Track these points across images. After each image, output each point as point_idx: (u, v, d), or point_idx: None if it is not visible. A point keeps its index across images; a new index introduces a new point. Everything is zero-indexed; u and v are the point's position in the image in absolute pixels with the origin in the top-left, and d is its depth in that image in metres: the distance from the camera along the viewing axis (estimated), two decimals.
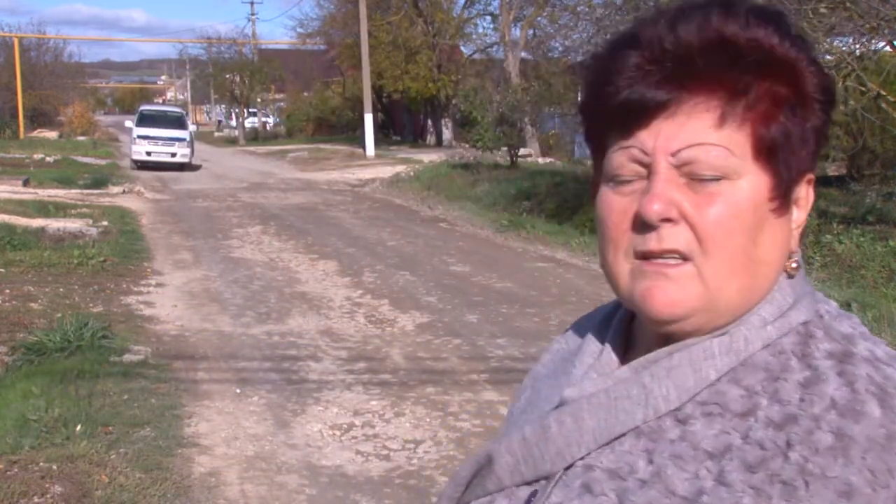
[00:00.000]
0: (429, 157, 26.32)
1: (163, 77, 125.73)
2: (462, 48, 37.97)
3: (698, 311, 0.78)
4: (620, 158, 0.80)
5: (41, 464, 4.42)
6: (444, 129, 36.57)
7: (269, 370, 6.43)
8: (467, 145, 21.08)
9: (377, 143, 32.38)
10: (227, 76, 50.64)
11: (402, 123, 42.86)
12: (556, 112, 22.34)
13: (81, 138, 43.10)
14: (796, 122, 0.78)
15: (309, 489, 4.41)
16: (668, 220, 0.77)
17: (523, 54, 28.58)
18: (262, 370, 6.43)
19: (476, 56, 37.53)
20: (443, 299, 8.81)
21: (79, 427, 4.89)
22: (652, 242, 0.78)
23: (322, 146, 36.97)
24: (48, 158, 28.23)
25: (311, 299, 8.79)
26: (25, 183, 19.32)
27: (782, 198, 0.78)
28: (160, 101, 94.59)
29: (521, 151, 21.19)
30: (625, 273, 0.80)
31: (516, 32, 29.15)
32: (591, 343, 0.89)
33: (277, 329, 7.58)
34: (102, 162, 28.84)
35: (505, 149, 20.17)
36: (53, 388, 5.49)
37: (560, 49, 20.32)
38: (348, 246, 12.28)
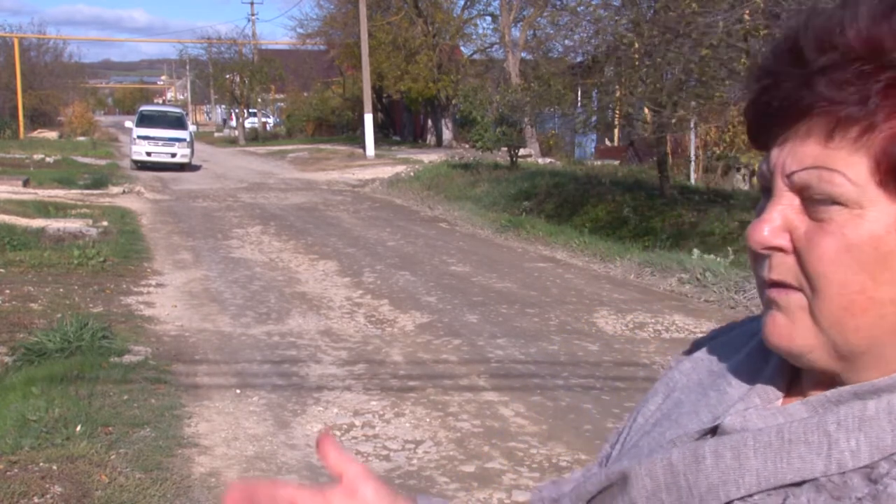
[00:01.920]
0: (429, 157, 26.33)
1: (163, 77, 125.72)
2: (462, 48, 37.99)
3: (816, 350, 0.70)
4: (759, 172, 0.73)
5: (41, 464, 4.42)
6: (444, 129, 36.58)
7: (268, 370, 6.43)
8: (467, 145, 21.12)
9: (377, 143, 32.41)
10: (227, 76, 50.66)
11: (402, 123, 42.89)
12: (556, 112, 22.33)
13: (81, 138, 43.13)
14: None
15: None
16: (776, 248, 0.70)
17: (523, 54, 28.58)
18: (261, 370, 6.43)
19: (476, 56, 37.55)
20: (443, 299, 8.81)
21: (79, 427, 4.89)
22: (765, 270, 0.71)
23: (322, 146, 36.98)
24: (48, 159, 28.25)
25: (310, 299, 8.79)
26: (25, 183, 19.32)
27: None
28: (160, 101, 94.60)
29: (521, 151, 21.21)
30: (763, 297, 0.74)
31: (516, 33, 29.16)
32: (751, 360, 0.79)
33: (277, 329, 7.58)
34: (102, 162, 28.85)
35: (505, 149, 20.19)
36: (53, 389, 5.49)
37: (560, 49, 20.32)
38: (348, 246, 12.28)
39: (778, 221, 0.69)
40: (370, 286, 9.47)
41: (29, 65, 51.44)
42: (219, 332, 7.45)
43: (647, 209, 13.69)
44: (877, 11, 0.65)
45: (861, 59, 0.65)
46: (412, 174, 21.73)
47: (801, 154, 0.68)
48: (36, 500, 4.08)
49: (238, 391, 5.90)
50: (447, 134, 36.21)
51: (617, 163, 21.92)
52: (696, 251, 10.35)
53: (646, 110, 14.64)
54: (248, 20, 53.81)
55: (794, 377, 0.76)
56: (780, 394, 0.75)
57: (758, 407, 0.74)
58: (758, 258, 0.72)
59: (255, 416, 5.43)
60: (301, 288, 9.40)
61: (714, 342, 0.87)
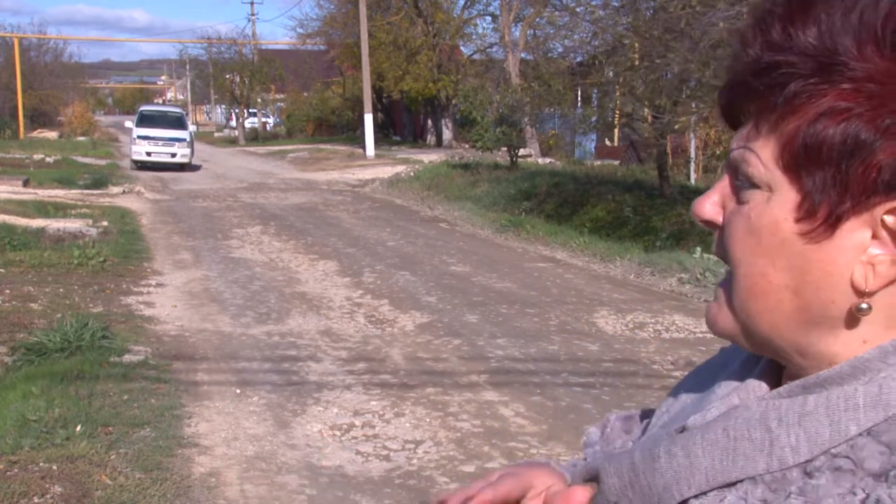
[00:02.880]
0: (429, 157, 26.33)
1: (163, 77, 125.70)
2: (462, 48, 37.98)
3: (736, 335, 0.72)
4: None
5: (41, 464, 4.42)
6: (444, 129, 36.58)
7: (268, 370, 6.43)
8: (467, 145, 21.11)
9: (377, 143, 32.41)
10: (227, 76, 50.66)
11: (402, 123, 42.89)
12: (556, 112, 22.34)
13: (81, 138, 43.13)
14: (842, 124, 0.64)
15: (309, 489, 4.41)
16: (711, 223, 0.73)
17: (523, 54, 28.57)
18: (261, 370, 6.43)
19: (476, 56, 37.55)
20: (443, 299, 8.81)
21: (79, 427, 4.89)
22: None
23: (322, 146, 36.98)
24: (48, 159, 28.24)
25: (310, 299, 8.79)
26: (25, 183, 19.32)
27: (815, 221, 0.66)
28: (160, 101, 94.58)
29: (521, 151, 21.21)
30: None
31: (516, 33, 29.15)
32: (749, 360, 0.79)
33: (277, 329, 7.58)
34: (102, 162, 28.85)
35: (505, 149, 20.19)
36: (53, 389, 5.49)
37: (560, 49, 20.32)
38: (348, 246, 12.28)
39: (716, 197, 0.73)
40: (370, 286, 9.47)
41: (29, 65, 51.45)
42: (219, 332, 7.45)
43: (647, 209, 13.70)
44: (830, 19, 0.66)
45: (794, 58, 0.66)
46: (412, 174, 21.73)
47: (740, 134, 0.70)
48: (36, 500, 4.08)
49: (238, 391, 5.90)
50: (447, 134, 36.21)
51: (617, 163, 21.93)
52: (698, 249, 10.35)
53: (646, 111, 14.64)
54: (248, 20, 53.86)
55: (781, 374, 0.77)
56: (762, 392, 0.75)
57: (725, 404, 0.74)
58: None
59: (255, 416, 5.43)
60: (301, 288, 9.40)
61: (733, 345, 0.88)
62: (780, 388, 0.71)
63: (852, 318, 0.67)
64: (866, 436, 0.64)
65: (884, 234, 0.65)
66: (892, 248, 0.65)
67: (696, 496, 0.70)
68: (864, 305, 0.66)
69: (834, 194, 0.65)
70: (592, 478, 0.80)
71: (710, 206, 0.72)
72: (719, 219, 0.72)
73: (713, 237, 0.75)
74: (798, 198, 0.66)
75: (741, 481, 0.68)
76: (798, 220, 0.66)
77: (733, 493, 0.68)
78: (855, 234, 0.65)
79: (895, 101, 0.63)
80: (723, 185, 0.72)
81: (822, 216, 0.65)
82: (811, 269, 0.67)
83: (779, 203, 0.67)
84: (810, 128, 0.65)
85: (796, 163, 0.66)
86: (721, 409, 0.73)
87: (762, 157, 0.68)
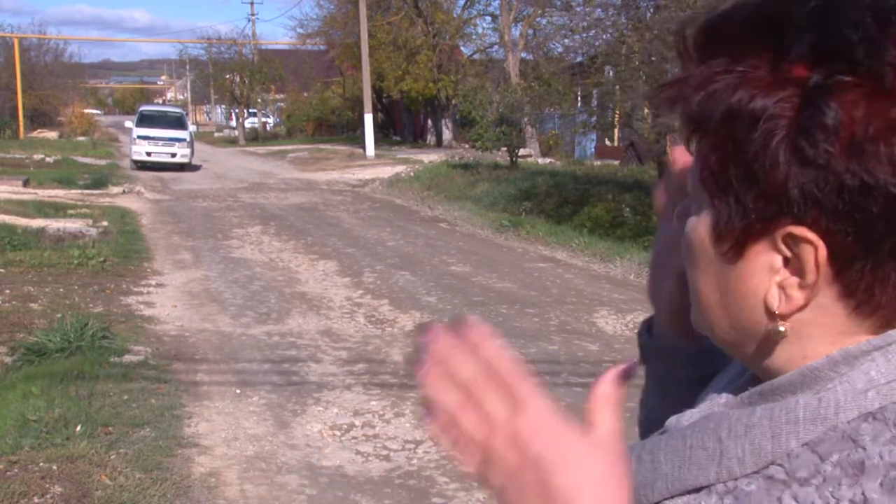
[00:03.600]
0: (429, 157, 26.33)
1: (163, 77, 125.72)
2: (462, 48, 37.99)
3: (704, 333, 0.74)
4: None
5: (41, 464, 4.42)
6: (444, 129, 36.58)
7: (268, 370, 6.43)
8: (467, 145, 21.11)
9: (377, 143, 32.41)
10: (227, 76, 50.68)
11: (402, 123, 42.89)
12: (556, 112, 22.35)
13: (81, 138, 43.14)
14: (738, 150, 0.64)
15: (309, 489, 4.41)
16: None
17: (523, 54, 28.58)
18: (261, 370, 6.43)
19: (476, 56, 37.55)
20: (443, 299, 8.81)
21: (79, 427, 4.89)
22: None
23: (322, 146, 36.98)
24: (48, 159, 28.25)
25: (310, 299, 8.79)
26: (25, 183, 19.33)
27: (726, 242, 0.66)
28: (160, 101, 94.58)
29: (521, 151, 21.20)
30: None
31: (516, 32, 29.16)
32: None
33: (277, 329, 7.58)
34: (102, 162, 28.86)
35: (504, 149, 20.19)
36: (53, 389, 5.49)
37: (560, 49, 20.33)
38: (348, 246, 12.28)
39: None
40: (370, 286, 9.47)
41: (29, 65, 51.47)
42: (219, 332, 7.45)
43: (648, 209, 13.69)
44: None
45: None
46: (412, 174, 21.73)
47: None
48: (36, 500, 4.08)
49: (238, 391, 5.90)
50: (447, 134, 36.21)
51: (617, 163, 21.93)
52: None
53: (646, 110, 14.64)
54: (248, 20, 53.88)
55: None
56: (728, 398, 0.75)
57: (708, 406, 0.74)
58: None
59: (255, 416, 5.43)
60: (301, 288, 9.40)
61: None
62: (743, 395, 0.70)
63: (779, 339, 0.66)
64: (803, 446, 0.64)
65: (790, 256, 0.63)
66: (797, 271, 0.63)
67: (658, 502, 0.70)
68: (781, 329, 0.65)
69: (737, 217, 0.64)
70: None
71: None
72: None
73: None
74: (712, 219, 0.66)
75: (699, 490, 0.68)
76: (713, 241, 0.67)
77: (693, 501, 0.68)
78: (763, 256, 0.65)
79: (785, 128, 0.61)
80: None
81: (731, 238, 0.65)
82: (730, 289, 0.67)
83: (703, 221, 0.67)
84: (714, 152, 0.65)
85: (708, 184, 0.66)
86: (701, 413, 0.73)
87: (695, 171, 0.68)
